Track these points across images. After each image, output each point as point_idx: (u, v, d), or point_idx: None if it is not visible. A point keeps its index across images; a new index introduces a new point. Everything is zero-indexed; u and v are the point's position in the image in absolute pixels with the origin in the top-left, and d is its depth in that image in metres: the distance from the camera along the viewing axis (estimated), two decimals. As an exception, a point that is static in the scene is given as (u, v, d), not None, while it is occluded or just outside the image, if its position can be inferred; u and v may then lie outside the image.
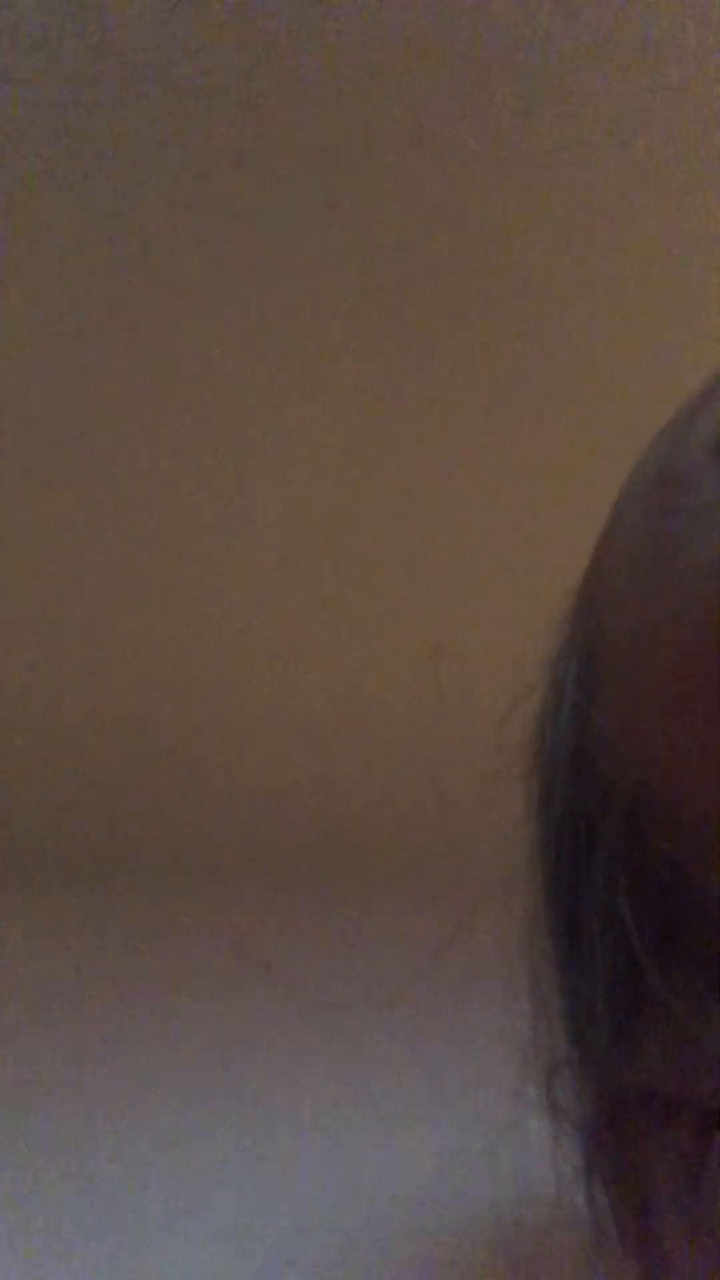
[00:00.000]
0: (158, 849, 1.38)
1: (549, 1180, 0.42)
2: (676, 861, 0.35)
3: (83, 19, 1.57)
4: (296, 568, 1.59)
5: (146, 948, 1.12)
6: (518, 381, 1.60)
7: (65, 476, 1.62)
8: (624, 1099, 0.37)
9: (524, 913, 0.41)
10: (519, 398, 1.59)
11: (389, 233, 1.61)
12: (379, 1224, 0.63)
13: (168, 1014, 0.98)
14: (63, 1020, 0.95)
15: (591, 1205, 0.40)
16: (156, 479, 1.62)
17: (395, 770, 1.42)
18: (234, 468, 1.61)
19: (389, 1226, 0.62)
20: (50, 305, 1.63)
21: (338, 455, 1.60)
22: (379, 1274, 0.49)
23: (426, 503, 1.58)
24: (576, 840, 0.38)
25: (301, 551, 1.59)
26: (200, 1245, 0.61)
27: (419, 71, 1.57)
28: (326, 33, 1.57)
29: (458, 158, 1.57)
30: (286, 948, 1.07)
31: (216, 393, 1.61)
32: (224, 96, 1.59)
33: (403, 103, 1.57)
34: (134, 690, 1.56)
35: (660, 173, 1.57)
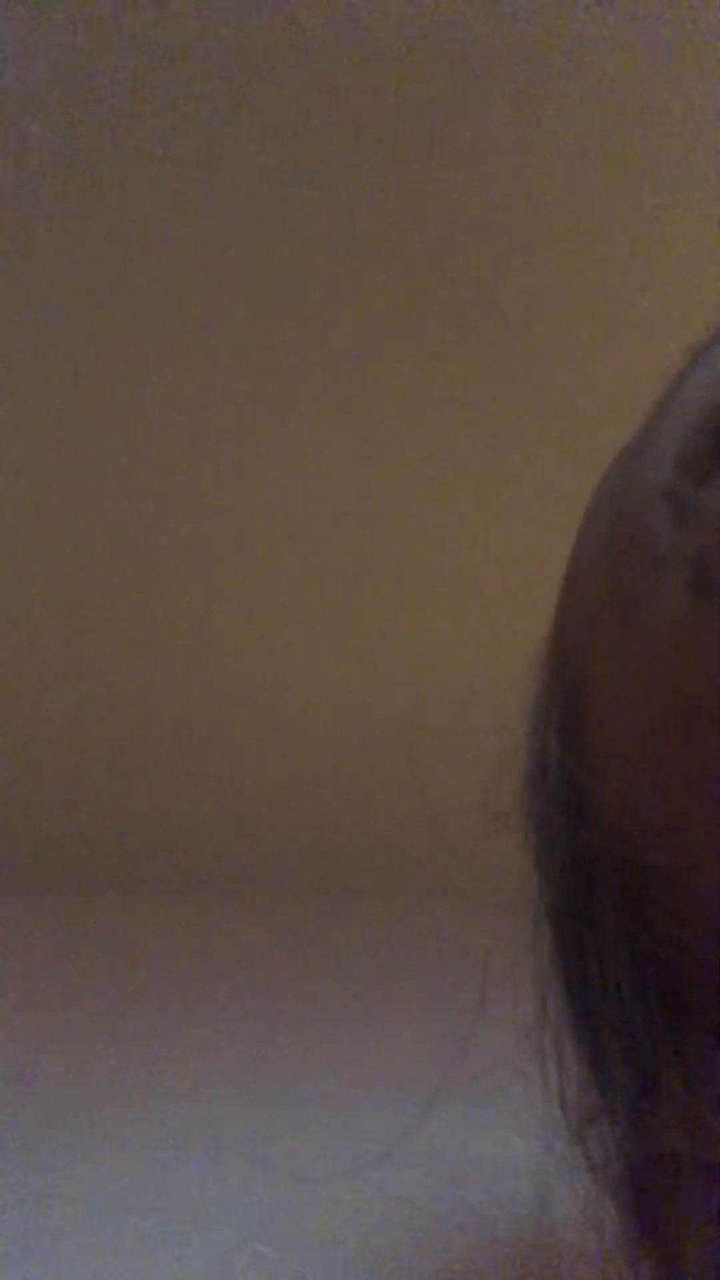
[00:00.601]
0: (155, 857, 1.37)
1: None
2: (678, 938, 0.34)
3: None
4: (296, 581, 1.59)
5: (146, 953, 1.11)
6: (520, 392, 1.60)
7: (64, 485, 1.62)
8: (650, 1161, 0.36)
9: (538, 971, 0.39)
10: (519, 408, 1.59)
11: (392, 248, 1.61)
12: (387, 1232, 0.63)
13: (167, 1018, 0.97)
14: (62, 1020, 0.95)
15: (628, 1262, 0.39)
16: (157, 497, 1.62)
17: (390, 781, 1.41)
18: (234, 482, 1.61)
19: (405, 1242, 0.61)
20: (47, 307, 1.63)
21: (341, 466, 1.60)
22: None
23: (426, 514, 1.58)
24: (575, 902, 0.36)
25: (301, 566, 1.59)
26: (198, 1250, 0.60)
27: (418, 78, 1.57)
28: (326, 36, 1.57)
29: (458, 164, 1.57)
30: (285, 957, 1.06)
31: (214, 405, 1.61)
32: (223, 97, 1.59)
33: (403, 106, 1.58)
34: (134, 697, 1.56)
35: (660, 177, 1.57)
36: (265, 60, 1.58)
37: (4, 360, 1.62)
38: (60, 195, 1.61)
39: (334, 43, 1.57)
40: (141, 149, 1.61)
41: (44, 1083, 0.89)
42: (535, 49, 1.54)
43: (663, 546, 0.35)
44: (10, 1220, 0.76)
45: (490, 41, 1.56)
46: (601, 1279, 0.40)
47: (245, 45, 1.58)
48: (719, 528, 0.34)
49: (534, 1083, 0.40)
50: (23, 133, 1.60)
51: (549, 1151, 0.41)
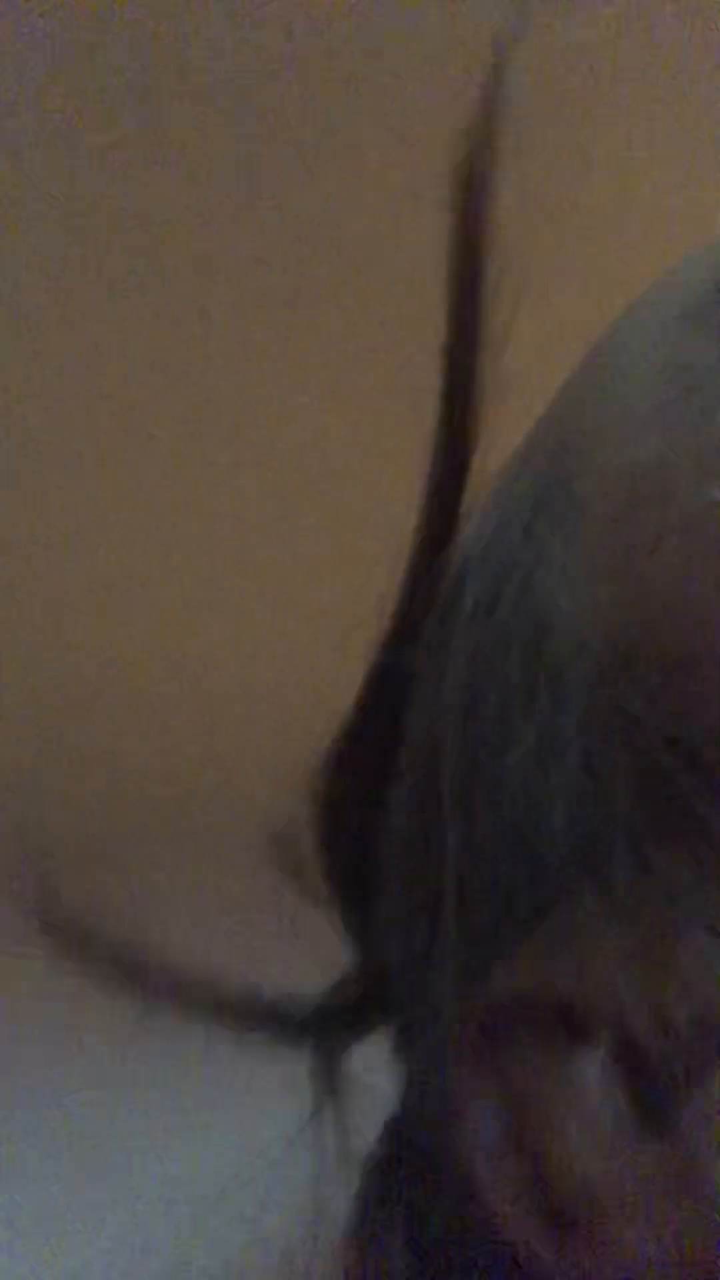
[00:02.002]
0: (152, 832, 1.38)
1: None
2: (674, 735, 0.32)
3: None
4: (291, 559, 1.60)
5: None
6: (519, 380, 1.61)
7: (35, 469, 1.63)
8: (510, 1006, 0.34)
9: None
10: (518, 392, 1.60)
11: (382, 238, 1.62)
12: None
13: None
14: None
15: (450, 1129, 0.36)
16: (143, 480, 1.63)
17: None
18: (228, 467, 1.62)
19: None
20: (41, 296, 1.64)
21: (338, 448, 1.60)
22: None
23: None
24: (509, 704, 0.34)
25: (296, 542, 1.59)
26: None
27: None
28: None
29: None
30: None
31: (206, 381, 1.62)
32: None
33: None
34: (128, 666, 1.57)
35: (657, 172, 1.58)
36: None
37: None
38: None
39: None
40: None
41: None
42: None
43: None
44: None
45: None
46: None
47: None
48: None
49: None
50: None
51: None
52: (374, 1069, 0.41)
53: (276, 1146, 0.40)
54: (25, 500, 1.62)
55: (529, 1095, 0.34)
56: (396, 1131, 0.39)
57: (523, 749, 0.34)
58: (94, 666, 1.54)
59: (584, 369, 0.37)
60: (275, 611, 1.56)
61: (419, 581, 0.37)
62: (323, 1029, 0.40)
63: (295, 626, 1.46)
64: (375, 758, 0.37)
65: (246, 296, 1.62)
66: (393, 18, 1.57)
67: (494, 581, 0.35)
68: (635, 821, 0.33)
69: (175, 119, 1.62)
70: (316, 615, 1.50)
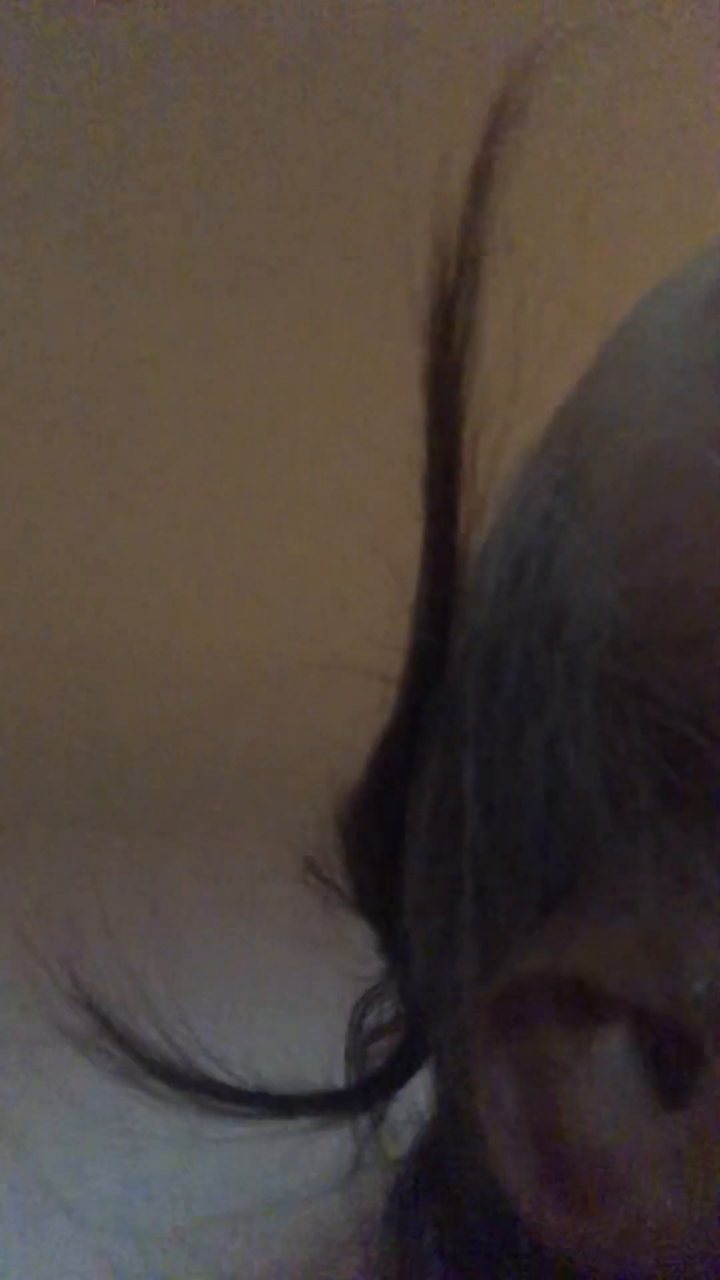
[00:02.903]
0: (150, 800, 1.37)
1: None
2: (690, 710, 0.33)
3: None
4: (292, 518, 1.59)
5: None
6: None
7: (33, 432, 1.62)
8: (529, 988, 0.34)
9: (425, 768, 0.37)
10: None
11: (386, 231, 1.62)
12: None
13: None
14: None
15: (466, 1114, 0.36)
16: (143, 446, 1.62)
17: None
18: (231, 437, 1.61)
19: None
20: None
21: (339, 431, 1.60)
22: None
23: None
24: (527, 686, 0.35)
25: (295, 500, 1.58)
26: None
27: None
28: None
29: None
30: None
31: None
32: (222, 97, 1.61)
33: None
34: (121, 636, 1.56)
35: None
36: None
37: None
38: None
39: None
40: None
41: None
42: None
43: None
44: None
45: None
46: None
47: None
48: None
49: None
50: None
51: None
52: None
53: (311, 1146, 0.41)
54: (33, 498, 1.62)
55: (546, 1071, 0.34)
56: (429, 1135, 0.39)
57: (542, 730, 0.34)
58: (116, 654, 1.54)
59: (601, 358, 0.38)
60: (279, 599, 1.56)
61: (435, 608, 0.38)
62: (368, 1101, 0.41)
63: (299, 615, 1.46)
64: (402, 784, 0.38)
65: (249, 292, 1.62)
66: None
67: (514, 566, 0.36)
68: (653, 799, 0.33)
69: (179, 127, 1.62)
70: (317, 601, 1.50)
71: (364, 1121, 0.41)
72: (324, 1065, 0.41)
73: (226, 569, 1.58)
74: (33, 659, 1.56)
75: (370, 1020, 0.41)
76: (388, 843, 0.38)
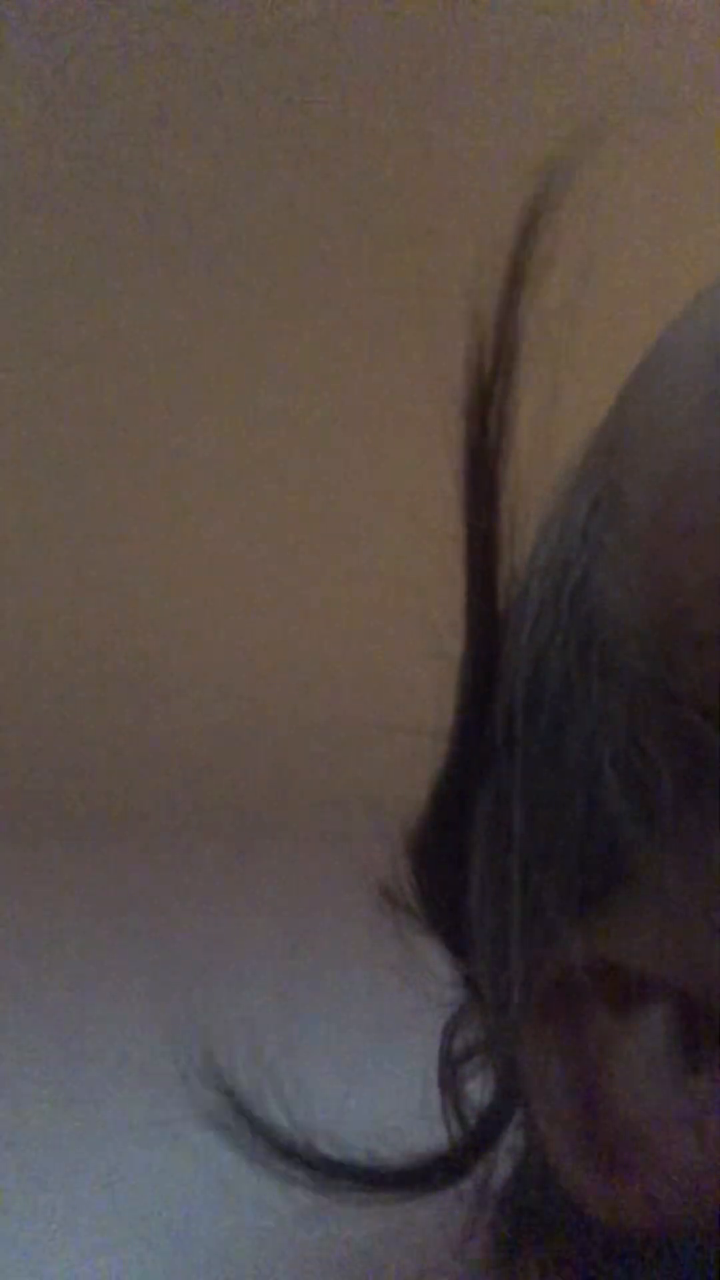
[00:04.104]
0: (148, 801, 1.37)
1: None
2: (707, 705, 0.34)
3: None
4: (284, 516, 1.59)
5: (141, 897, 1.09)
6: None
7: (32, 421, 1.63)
8: (573, 976, 0.36)
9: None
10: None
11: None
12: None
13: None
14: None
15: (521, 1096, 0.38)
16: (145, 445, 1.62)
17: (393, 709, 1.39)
18: (223, 427, 1.61)
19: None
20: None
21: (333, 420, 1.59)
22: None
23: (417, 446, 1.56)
24: (566, 690, 0.36)
25: (288, 497, 1.58)
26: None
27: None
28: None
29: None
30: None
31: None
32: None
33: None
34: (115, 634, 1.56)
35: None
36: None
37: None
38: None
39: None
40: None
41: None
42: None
43: None
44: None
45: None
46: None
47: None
48: None
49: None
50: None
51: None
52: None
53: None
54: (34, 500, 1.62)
55: (591, 1050, 0.35)
56: (523, 1172, 0.41)
57: (579, 730, 0.36)
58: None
59: (632, 380, 0.39)
60: (285, 613, 1.57)
61: (483, 652, 0.39)
62: (470, 1164, 0.42)
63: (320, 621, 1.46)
64: (465, 809, 0.39)
65: (256, 299, 1.62)
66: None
67: (555, 582, 0.38)
68: (675, 790, 0.34)
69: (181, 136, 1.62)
70: (323, 612, 1.50)
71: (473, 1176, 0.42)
72: (419, 1096, 0.42)
73: (230, 585, 1.58)
74: (70, 683, 1.55)
75: (459, 1043, 0.42)
76: (455, 865, 0.39)
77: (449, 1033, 0.42)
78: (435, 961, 0.41)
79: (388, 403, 1.48)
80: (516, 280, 0.38)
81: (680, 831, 0.34)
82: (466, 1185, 0.42)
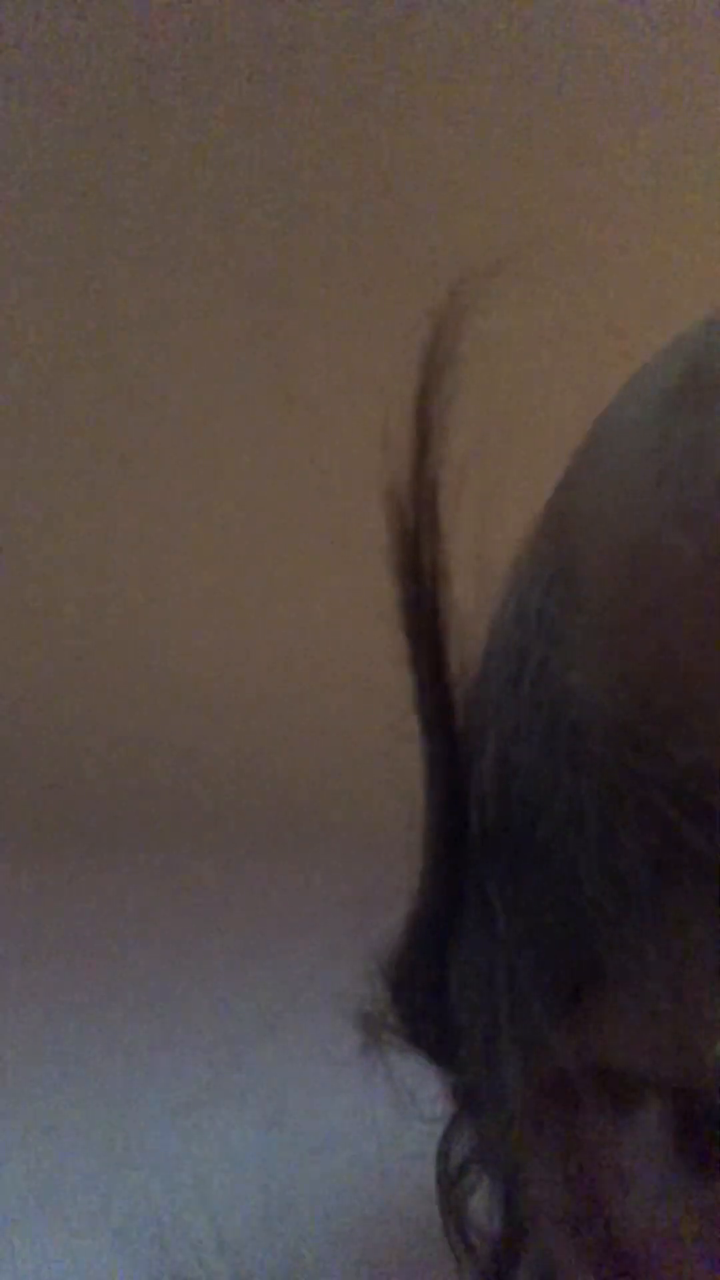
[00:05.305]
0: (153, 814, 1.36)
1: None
2: (674, 786, 0.33)
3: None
4: (266, 533, 1.59)
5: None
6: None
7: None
8: (565, 1079, 0.35)
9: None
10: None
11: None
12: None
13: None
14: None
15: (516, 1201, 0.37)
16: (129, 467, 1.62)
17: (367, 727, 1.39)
18: (207, 438, 1.62)
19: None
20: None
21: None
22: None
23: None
24: (535, 782, 0.36)
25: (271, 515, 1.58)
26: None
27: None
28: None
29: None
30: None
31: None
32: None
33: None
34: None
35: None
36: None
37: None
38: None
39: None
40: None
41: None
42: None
43: None
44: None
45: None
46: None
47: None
48: None
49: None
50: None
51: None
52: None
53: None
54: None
55: (588, 1155, 0.34)
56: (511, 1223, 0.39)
57: (552, 822, 0.35)
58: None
59: (578, 455, 0.39)
60: (279, 619, 1.56)
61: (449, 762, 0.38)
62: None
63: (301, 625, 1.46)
64: (443, 934, 0.38)
65: (249, 302, 1.62)
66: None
67: (515, 665, 0.37)
68: (650, 877, 0.33)
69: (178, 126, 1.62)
70: (317, 614, 1.50)
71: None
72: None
73: (226, 591, 1.58)
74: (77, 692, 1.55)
75: (455, 1157, 0.41)
76: (438, 975, 0.38)
77: (443, 1149, 0.41)
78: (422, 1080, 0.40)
79: (395, 402, 1.48)
80: (426, 428, 0.37)
81: (660, 922, 0.33)
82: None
